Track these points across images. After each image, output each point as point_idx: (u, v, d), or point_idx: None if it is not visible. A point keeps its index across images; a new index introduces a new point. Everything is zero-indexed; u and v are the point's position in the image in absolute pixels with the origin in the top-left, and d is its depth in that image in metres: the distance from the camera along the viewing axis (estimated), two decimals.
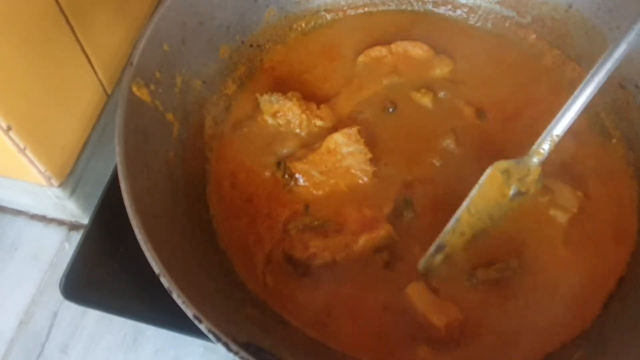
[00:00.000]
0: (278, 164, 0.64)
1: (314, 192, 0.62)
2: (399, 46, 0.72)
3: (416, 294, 0.55)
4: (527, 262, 0.58)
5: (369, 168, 0.63)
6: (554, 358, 0.54)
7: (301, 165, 0.62)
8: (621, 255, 0.59)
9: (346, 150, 0.63)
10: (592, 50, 0.69)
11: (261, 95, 0.66)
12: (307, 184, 0.62)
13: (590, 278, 0.58)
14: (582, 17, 0.69)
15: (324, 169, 0.62)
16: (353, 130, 0.63)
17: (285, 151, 0.65)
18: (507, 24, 0.74)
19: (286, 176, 0.63)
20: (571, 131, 0.57)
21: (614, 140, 0.66)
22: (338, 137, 0.63)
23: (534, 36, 0.73)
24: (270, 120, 0.66)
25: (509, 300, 0.56)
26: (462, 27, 0.75)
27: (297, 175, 0.62)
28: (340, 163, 0.63)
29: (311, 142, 0.65)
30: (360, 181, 0.63)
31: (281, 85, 0.69)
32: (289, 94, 0.66)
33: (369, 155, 0.63)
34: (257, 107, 0.67)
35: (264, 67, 0.72)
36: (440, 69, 0.71)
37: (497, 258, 0.58)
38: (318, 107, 0.67)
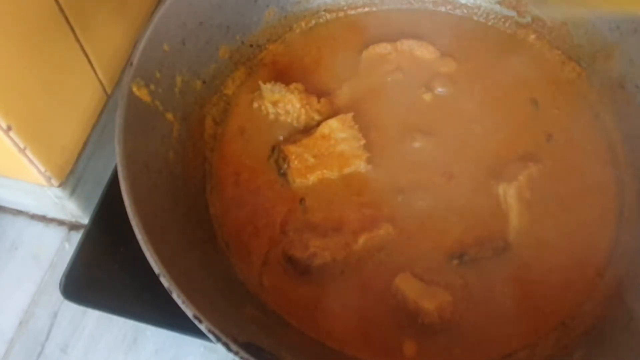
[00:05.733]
0: (272, 149, 0.65)
1: (308, 176, 0.62)
2: (405, 44, 0.72)
3: (404, 284, 0.56)
4: (511, 243, 0.59)
5: (363, 153, 0.63)
6: (554, 358, 0.54)
7: (295, 148, 0.63)
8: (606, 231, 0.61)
9: (340, 136, 0.63)
10: (592, 50, 0.69)
11: (264, 83, 0.66)
12: (299, 166, 0.62)
13: (577, 256, 0.59)
14: (582, 17, 0.69)
15: (317, 153, 0.63)
16: (348, 116, 0.64)
17: (281, 137, 0.66)
18: (507, 24, 0.74)
19: (279, 159, 0.63)
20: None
21: (614, 140, 0.66)
22: (333, 123, 0.63)
23: (534, 36, 0.73)
24: (270, 108, 0.66)
25: (497, 281, 0.57)
26: (462, 27, 0.75)
27: (290, 158, 0.62)
28: (334, 148, 0.63)
29: (307, 131, 0.65)
30: (354, 168, 0.63)
31: (284, 77, 0.69)
32: (292, 86, 0.66)
33: (363, 141, 0.63)
34: (259, 96, 0.67)
35: (265, 62, 0.73)
36: (444, 70, 0.71)
37: (478, 241, 0.59)
38: (318, 101, 0.67)
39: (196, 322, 0.45)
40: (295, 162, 0.62)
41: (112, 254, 0.64)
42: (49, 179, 0.63)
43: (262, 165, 0.65)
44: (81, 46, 0.63)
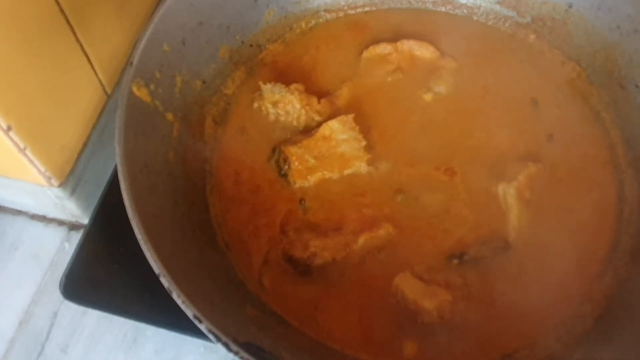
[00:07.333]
0: (273, 150, 0.65)
1: (308, 177, 0.62)
2: (405, 45, 0.72)
3: (404, 283, 0.56)
4: (511, 243, 0.59)
5: (364, 155, 0.63)
6: (554, 358, 0.54)
7: (295, 149, 0.63)
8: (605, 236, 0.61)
9: (341, 137, 0.63)
10: (592, 50, 0.69)
11: (264, 84, 0.66)
12: (300, 167, 0.62)
13: (577, 256, 0.59)
14: (582, 17, 0.69)
15: (317, 154, 0.63)
16: (349, 118, 0.64)
17: (281, 138, 0.66)
18: (507, 24, 0.74)
19: (280, 160, 0.63)
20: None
21: (614, 140, 0.66)
22: (334, 124, 0.63)
23: (534, 36, 0.73)
24: (270, 109, 0.66)
25: (497, 280, 0.57)
26: (462, 27, 0.75)
27: (290, 160, 0.62)
28: (335, 149, 0.63)
29: (308, 132, 0.65)
30: (355, 169, 0.63)
31: (284, 77, 0.69)
32: (292, 87, 0.66)
33: (364, 143, 0.63)
34: (259, 96, 0.67)
35: (265, 62, 0.73)
36: (444, 70, 0.71)
37: (478, 241, 0.59)
38: (319, 101, 0.67)
39: (196, 322, 0.45)
40: (296, 163, 0.62)
41: (112, 254, 0.64)
42: (49, 179, 0.63)
43: (262, 165, 0.65)
44: (81, 46, 0.63)
